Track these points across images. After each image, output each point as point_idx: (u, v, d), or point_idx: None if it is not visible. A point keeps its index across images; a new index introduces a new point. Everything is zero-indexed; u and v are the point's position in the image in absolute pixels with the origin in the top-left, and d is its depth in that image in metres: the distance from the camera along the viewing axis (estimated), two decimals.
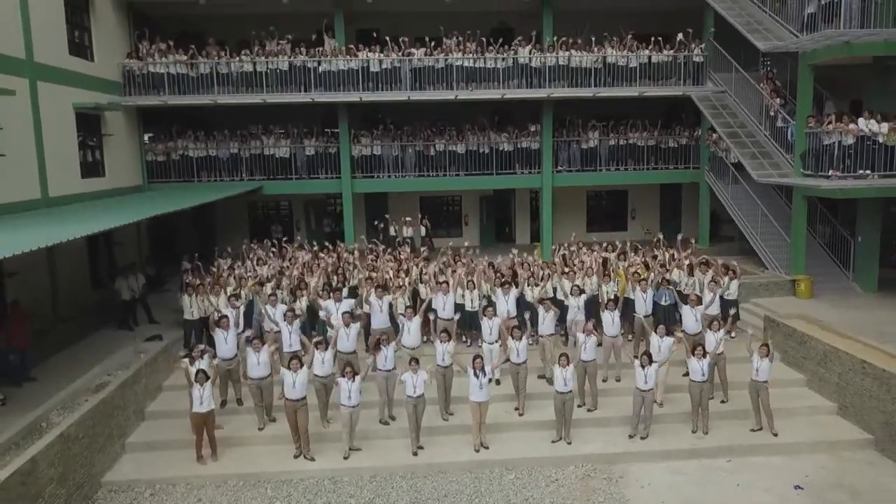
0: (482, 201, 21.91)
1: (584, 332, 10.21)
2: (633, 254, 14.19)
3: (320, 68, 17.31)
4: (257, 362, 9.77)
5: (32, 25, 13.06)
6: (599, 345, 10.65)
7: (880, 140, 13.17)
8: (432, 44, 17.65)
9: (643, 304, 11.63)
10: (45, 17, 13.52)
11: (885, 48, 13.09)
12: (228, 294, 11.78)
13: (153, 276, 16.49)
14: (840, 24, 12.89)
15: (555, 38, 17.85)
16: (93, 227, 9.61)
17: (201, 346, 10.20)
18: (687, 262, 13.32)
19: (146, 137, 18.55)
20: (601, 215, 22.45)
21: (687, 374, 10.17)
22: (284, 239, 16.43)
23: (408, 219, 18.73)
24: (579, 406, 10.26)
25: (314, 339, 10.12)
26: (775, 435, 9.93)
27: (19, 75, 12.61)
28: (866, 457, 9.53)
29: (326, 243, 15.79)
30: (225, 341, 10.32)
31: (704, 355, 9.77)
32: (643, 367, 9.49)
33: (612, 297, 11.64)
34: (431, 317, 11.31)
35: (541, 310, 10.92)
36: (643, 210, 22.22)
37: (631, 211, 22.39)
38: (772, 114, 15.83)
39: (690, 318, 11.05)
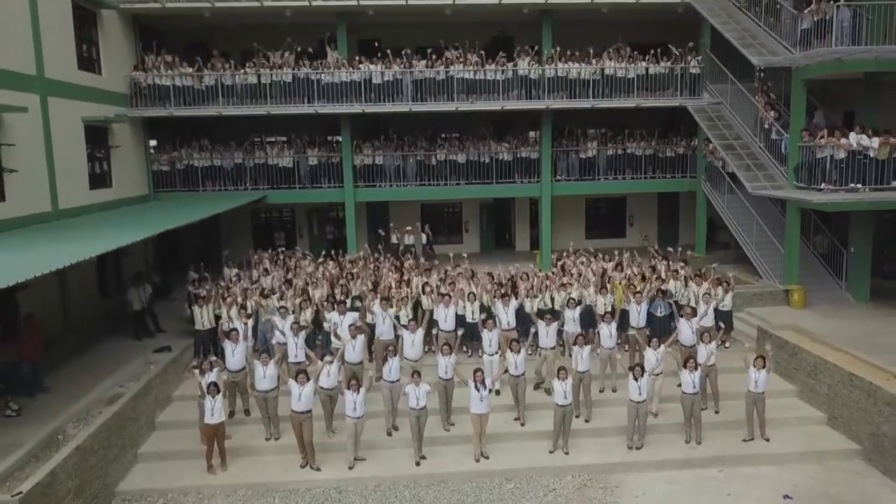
0: (482, 208, 22.23)
1: (576, 345, 10.52)
2: (632, 265, 14.49)
3: (323, 80, 17.61)
4: (264, 375, 10.08)
5: (43, 41, 13.36)
6: (596, 353, 10.97)
7: (871, 154, 13.48)
8: (433, 56, 17.94)
9: (637, 316, 11.95)
10: (55, 32, 13.81)
11: (875, 65, 13.41)
12: (240, 307, 12.06)
13: (159, 284, 16.79)
14: (832, 41, 13.21)
15: (553, 51, 18.15)
16: (110, 243, 9.95)
17: (212, 358, 10.51)
18: (682, 273, 13.65)
19: (151, 145, 18.86)
20: (600, 222, 22.79)
21: (680, 384, 10.47)
22: (281, 250, 16.72)
23: (409, 228, 19.12)
24: (576, 417, 10.55)
25: (320, 354, 10.43)
26: (767, 440, 10.27)
27: (31, 91, 12.94)
28: (854, 467, 9.84)
29: (333, 251, 16.17)
30: (233, 354, 10.62)
31: (696, 368, 10.08)
32: (636, 379, 9.81)
33: (609, 309, 11.96)
34: (434, 331, 11.63)
35: (541, 325, 11.21)
36: (641, 217, 22.56)
37: (629, 218, 22.72)
38: (766, 126, 16.14)
39: (686, 330, 11.36)
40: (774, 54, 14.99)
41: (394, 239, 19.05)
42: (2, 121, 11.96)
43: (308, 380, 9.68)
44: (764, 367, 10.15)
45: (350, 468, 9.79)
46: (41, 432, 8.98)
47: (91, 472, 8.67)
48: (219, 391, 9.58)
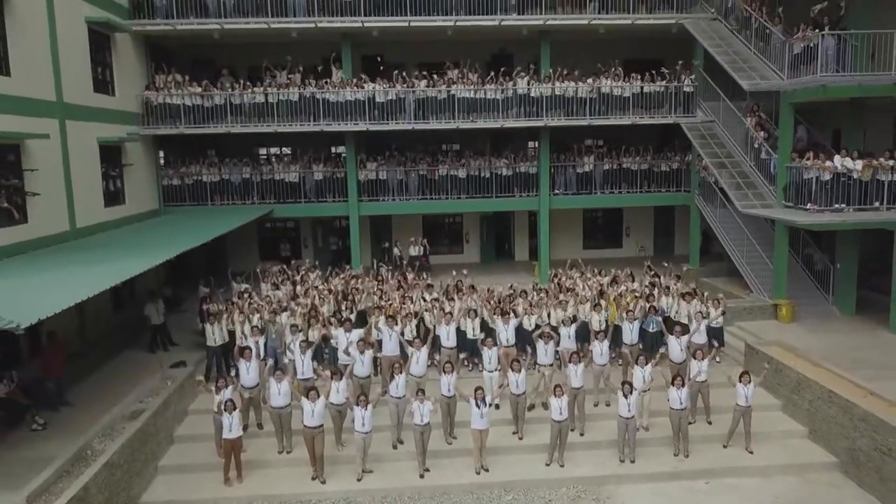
0: (482, 220, 22.84)
1: (571, 362, 11.13)
2: (630, 282, 15.06)
3: (329, 99, 18.19)
4: (278, 392, 10.67)
5: (62, 67, 13.96)
6: (589, 368, 11.58)
7: (855, 176, 14.07)
8: (434, 76, 18.54)
9: (630, 333, 12.56)
10: (72, 58, 14.41)
11: (859, 91, 13.99)
12: (252, 325, 12.64)
13: (170, 297, 17.36)
14: (817, 69, 13.79)
15: (551, 71, 18.75)
16: (134, 268, 10.56)
17: (230, 376, 11.13)
18: (674, 289, 14.24)
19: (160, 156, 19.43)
20: (597, 233, 23.48)
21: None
22: (294, 263, 17.36)
23: (412, 238, 19.77)
24: (571, 431, 11.13)
25: (330, 371, 11.04)
26: (751, 452, 10.88)
27: (51, 117, 13.54)
28: (832, 479, 10.44)
29: (344, 265, 16.82)
30: (247, 371, 11.23)
31: (683, 385, 10.68)
32: (625, 396, 10.40)
33: (602, 327, 12.56)
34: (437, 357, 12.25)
35: (539, 343, 11.81)
36: (637, 228, 23.22)
37: (626, 229, 23.38)
38: (756, 146, 16.72)
39: (676, 347, 11.96)
40: (764, 78, 15.56)
41: (396, 251, 19.70)
42: (25, 147, 12.57)
43: (319, 396, 10.27)
44: (750, 381, 10.76)
45: (358, 480, 10.38)
46: (71, 447, 9.56)
47: (117, 485, 9.28)
48: (235, 408, 10.18)
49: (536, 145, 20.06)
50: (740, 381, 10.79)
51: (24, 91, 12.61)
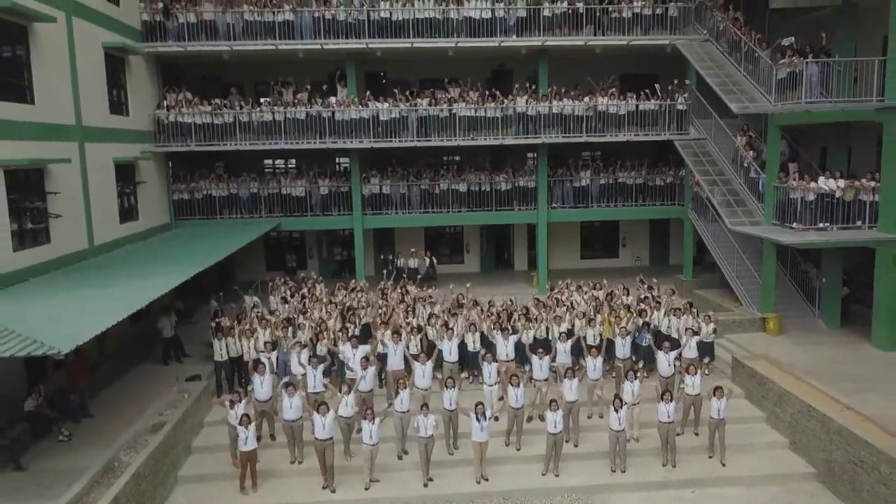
0: (482, 230, 23.51)
1: (566, 377, 11.79)
2: (624, 297, 15.72)
3: (334, 117, 18.84)
4: (290, 406, 11.33)
5: (81, 92, 14.61)
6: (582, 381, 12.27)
7: (838, 195, 14.72)
8: (436, 95, 19.21)
9: (622, 348, 13.22)
10: (90, 83, 15.08)
11: (842, 115, 14.64)
12: (264, 340, 13.29)
13: (182, 309, 17.99)
14: (802, 94, 14.45)
15: (549, 90, 19.41)
16: (155, 290, 11.29)
17: (239, 390, 11.80)
18: (664, 303, 14.90)
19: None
20: (594, 243, 24.16)
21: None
22: (300, 274, 18.01)
23: (413, 250, 20.41)
24: (566, 442, 11.79)
25: (338, 384, 11.71)
26: (723, 465, 11.48)
27: (71, 140, 14.21)
28: (811, 489, 11.10)
29: (347, 275, 17.38)
30: (261, 385, 11.89)
31: (671, 399, 11.34)
32: (616, 410, 11.06)
33: (596, 343, 13.22)
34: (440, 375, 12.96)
35: (535, 358, 12.47)
36: (633, 239, 23.91)
37: (622, 239, 24.06)
38: (745, 165, 17.38)
39: (664, 362, 12.62)
40: (752, 101, 16.22)
41: (398, 263, 20.36)
42: (48, 171, 13.22)
43: (329, 410, 10.92)
44: (723, 395, 11.41)
45: (366, 489, 11.04)
46: (99, 459, 10.23)
47: (143, 495, 9.95)
48: (251, 421, 10.84)
49: (535, 156, 20.71)
50: (714, 396, 11.43)
51: (46, 117, 13.28)
